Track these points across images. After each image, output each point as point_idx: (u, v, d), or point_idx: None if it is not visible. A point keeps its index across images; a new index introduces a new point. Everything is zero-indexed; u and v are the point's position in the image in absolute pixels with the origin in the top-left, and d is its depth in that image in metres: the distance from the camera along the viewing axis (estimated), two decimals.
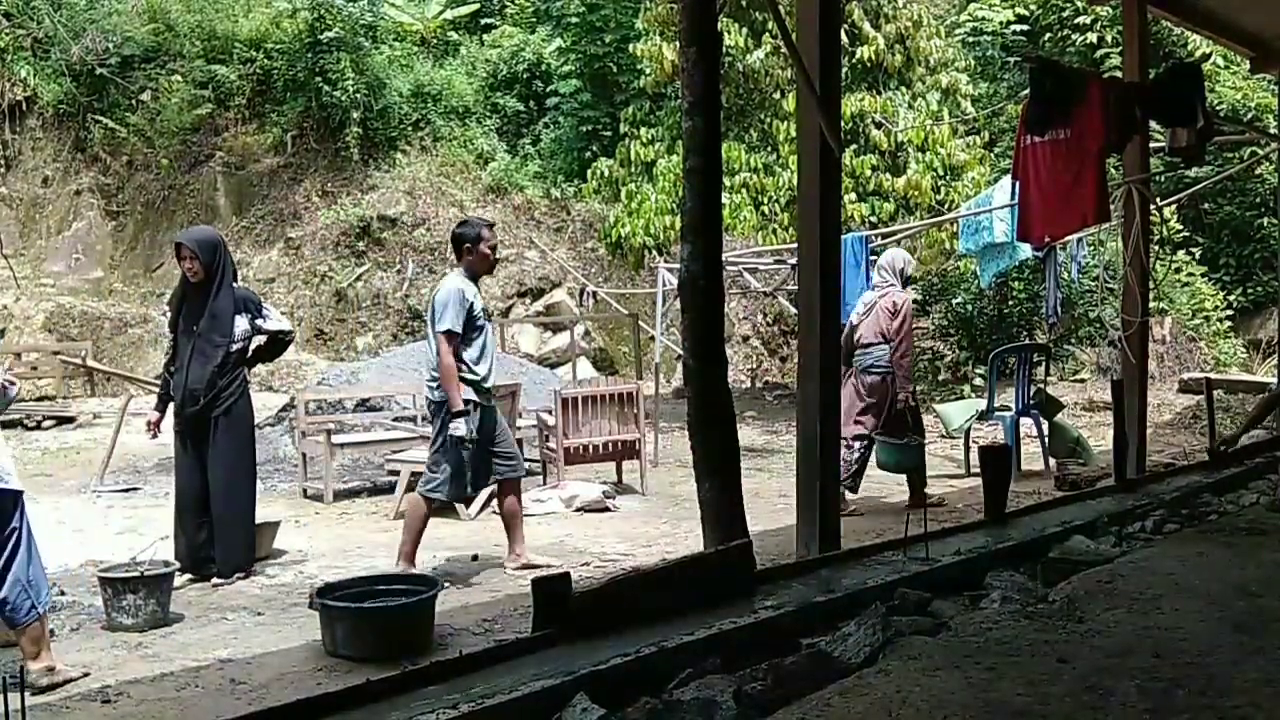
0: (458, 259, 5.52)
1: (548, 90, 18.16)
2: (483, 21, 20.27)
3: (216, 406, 5.34)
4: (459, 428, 5.17)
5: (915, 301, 15.76)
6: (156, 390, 5.84)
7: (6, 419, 11.57)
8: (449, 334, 5.19)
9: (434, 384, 5.32)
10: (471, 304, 5.29)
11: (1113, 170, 7.27)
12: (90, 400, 12.94)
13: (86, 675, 3.90)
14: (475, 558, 5.82)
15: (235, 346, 5.41)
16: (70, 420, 11.72)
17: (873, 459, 6.97)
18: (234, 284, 5.52)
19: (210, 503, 5.35)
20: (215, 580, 5.31)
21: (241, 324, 5.43)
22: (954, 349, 14.44)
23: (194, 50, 17.40)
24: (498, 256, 5.71)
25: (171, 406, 5.49)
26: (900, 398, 6.76)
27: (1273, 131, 12.39)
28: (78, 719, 3.56)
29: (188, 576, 5.29)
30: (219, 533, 5.34)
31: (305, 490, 7.79)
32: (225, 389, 5.35)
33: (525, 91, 18.51)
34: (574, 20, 17.53)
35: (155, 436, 5.60)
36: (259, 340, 5.60)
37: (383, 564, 5.57)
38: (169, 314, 5.61)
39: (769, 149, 12.41)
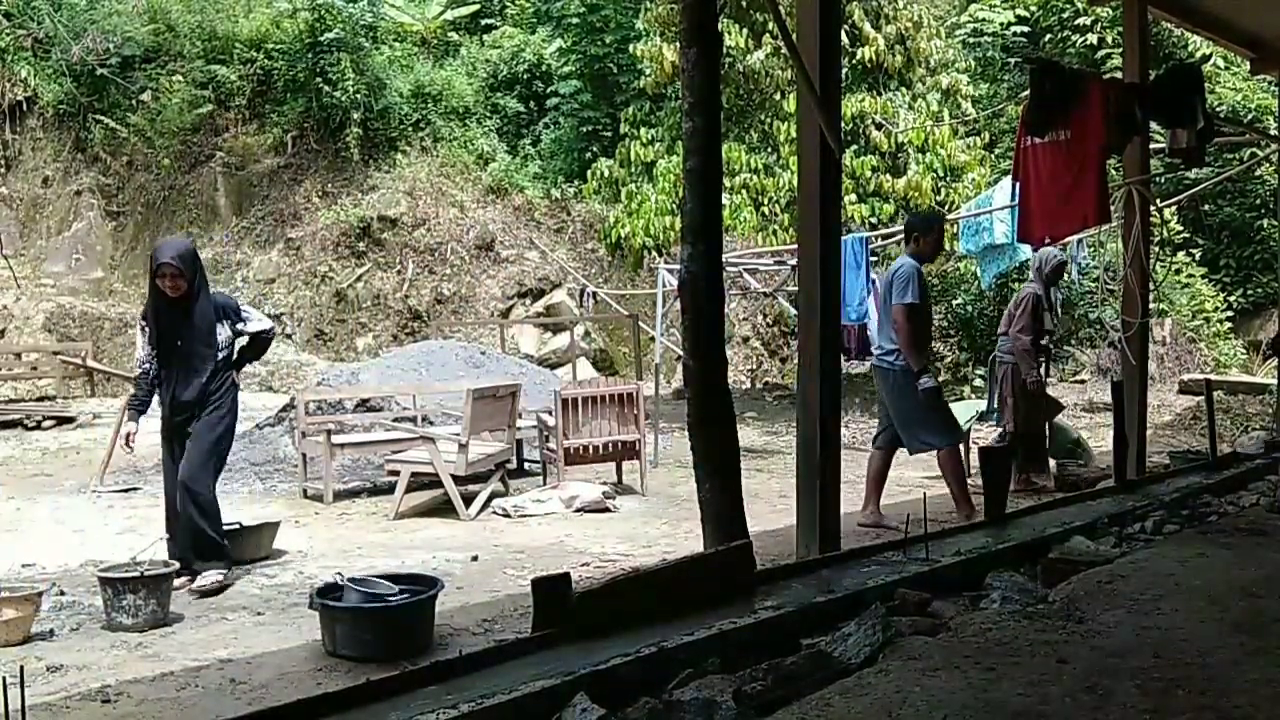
0: (905, 243, 6.35)
1: (548, 91, 18.17)
2: (483, 22, 20.29)
3: (203, 411, 5.28)
4: (928, 382, 6.00)
5: None
6: (131, 404, 5.57)
7: (6, 419, 11.61)
8: (912, 307, 5.93)
9: (892, 354, 6.09)
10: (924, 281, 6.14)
11: (1113, 171, 7.27)
12: (90, 400, 12.95)
13: None
14: (475, 558, 5.82)
15: (221, 355, 5.37)
16: (70, 420, 11.73)
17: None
18: (211, 291, 5.42)
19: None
20: (190, 583, 5.13)
21: (224, 332, 5.37)
22: (954, 350, 14.45)
23: (194, 50, 17.42)
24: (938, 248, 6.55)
25: (160, 412, 5.40)
26: (1028, 383, 7.24)
27: (1273, 133, 12.39)
28: (78, 719, 3.57)
29: (185, 578, 5.26)
30: (179, 526, 5.24)
31: (305, 490, 7.79)
32: (214, 394, 5.31)
33: (525, 92, 18.52)
34: (574, 21, 17.55)
35: (131, 450, 5.48)
36: (242, 341, 5.54)
37: (382, 564, 5.57)
38: (148, 329, 5.38)
39: (769, 150, 12.42)
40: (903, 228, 7.11)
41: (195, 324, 5.25)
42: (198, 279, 5.27)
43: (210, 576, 5.17)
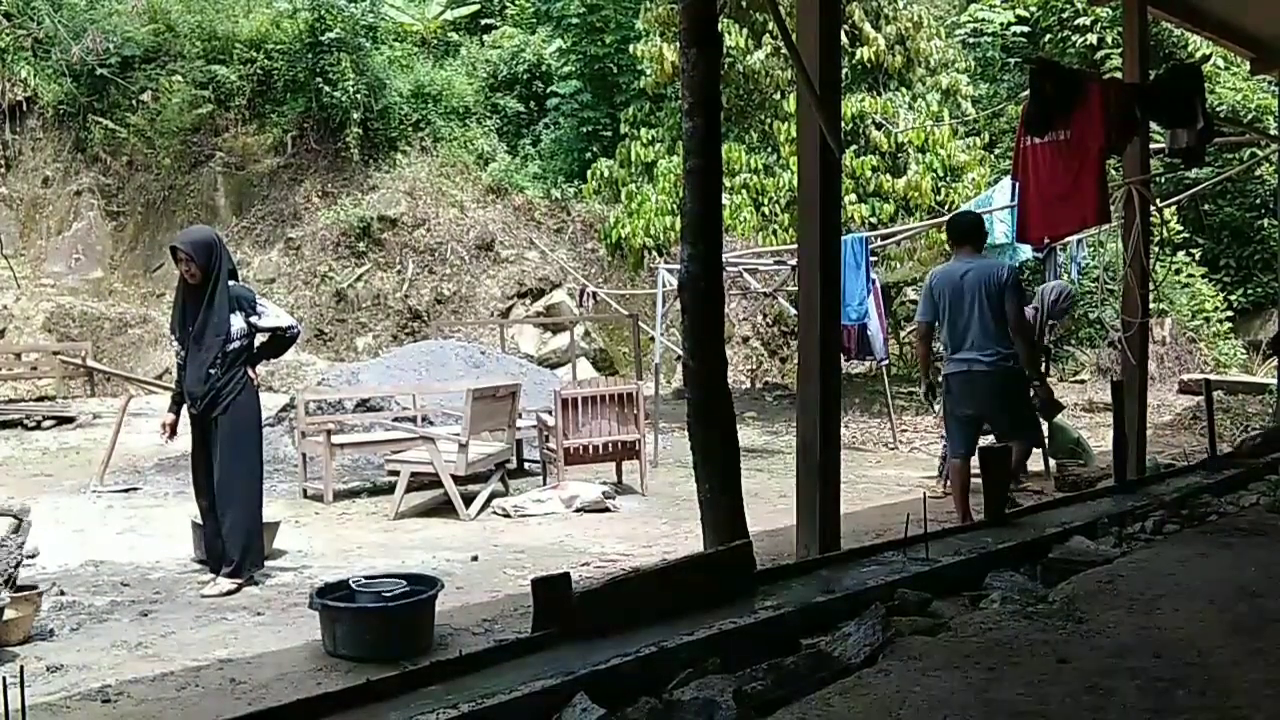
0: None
1: (548, 91, 18.17)
2: (483, 22, 20.29)
3: (216, 407, 5.23)
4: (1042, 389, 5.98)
5: (914, 302, 15.86)
6: (161, 390, 5.73)
7: (6, 419, 11.60)
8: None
9: (998, 355, 5.75)
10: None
11: (1113, 171, 7.26)
12: (90, 400, 12.94)
13: None
14: (475, 558, 5.82)
15: (232, 346, 5.27)
16: (70, 420, 11.72)
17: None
18: (232, 282, 5.38)
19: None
20: (205, 590, 5.19)
21: (237, 322, 5.29)
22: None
23: (194, 50, 17.41)
24: None
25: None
26: None
27: (1273, 133, 12.40)
28: (78, 719, 3.57)
29: (211, 576, 5.27)
30: (223, 533, 5.27)
31: (305, 490, 7.79)
32: (224, 389, 5.23)
33: (525, 92, 18.52)
34: (574, 21, 17.55)
35: (171, 438, 5.55)
36: (261, 338, 5.47)
37: (382, 564, 5.57)
38: (172, 316, 5.52)
39: (769, 150, 12.43)
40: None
41: (209, 314, 5.26)
42: (214, 266, 5.25)
43: (221, 586, 5.18)
